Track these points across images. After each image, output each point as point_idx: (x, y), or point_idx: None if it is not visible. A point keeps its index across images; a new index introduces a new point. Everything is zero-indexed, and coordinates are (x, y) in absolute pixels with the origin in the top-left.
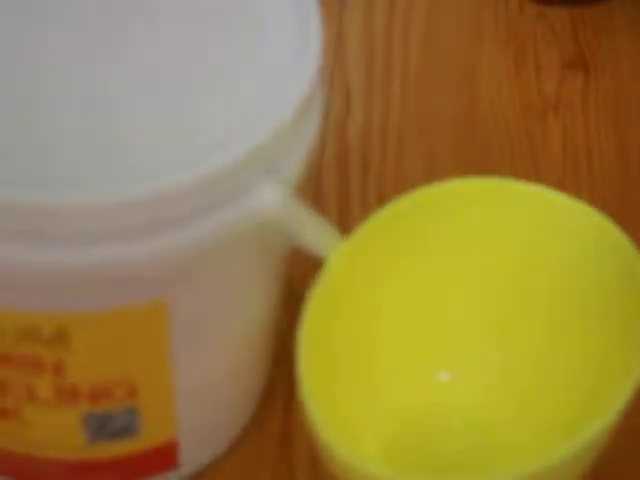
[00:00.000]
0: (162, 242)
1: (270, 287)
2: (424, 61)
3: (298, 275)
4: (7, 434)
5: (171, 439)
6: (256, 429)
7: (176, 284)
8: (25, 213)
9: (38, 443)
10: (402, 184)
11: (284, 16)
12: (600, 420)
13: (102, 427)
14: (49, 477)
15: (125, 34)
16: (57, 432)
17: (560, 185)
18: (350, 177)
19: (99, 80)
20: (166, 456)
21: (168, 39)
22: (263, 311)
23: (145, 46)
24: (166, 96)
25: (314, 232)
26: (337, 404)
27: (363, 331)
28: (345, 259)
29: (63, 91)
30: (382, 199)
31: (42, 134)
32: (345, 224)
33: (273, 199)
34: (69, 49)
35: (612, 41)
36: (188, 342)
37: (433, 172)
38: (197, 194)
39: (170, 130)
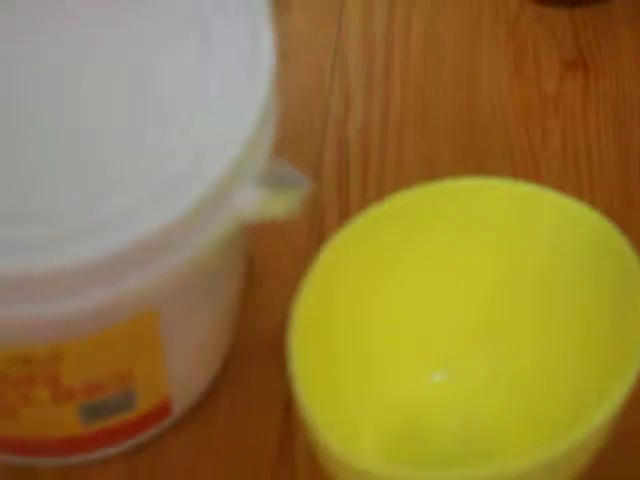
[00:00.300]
0: (155, 271)
1: (239, 266)
2: (424, 61)
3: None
4: (3, 427)
5: (164, 398)
6: (256, 429)
7: (165, 295)
8: (9, 280)
9: (34, 431)
10: (402, 184)
11: (233, 26)
12: (592, 420)
13: (97, 412)
14: (45, 450)
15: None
16: (53, 422)
17: (560, 185)
18: (350, 177)
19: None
20: (161, 412)
21: (121, 56)
22: (236, 286)
23: (105, 66)
24: (131, 118)
25: (287, 210)
26: (335, 404)
27: (360, 331)
28: (335, 257)
29: (28, 116)
30: (382, 199)
31: (17, 170)
32: (345, 224)
33: (253, 200)
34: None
35: (612, 41)
36: (177, 330)
37: (433, 172)
38: (185, 220)
39: (143, 162)
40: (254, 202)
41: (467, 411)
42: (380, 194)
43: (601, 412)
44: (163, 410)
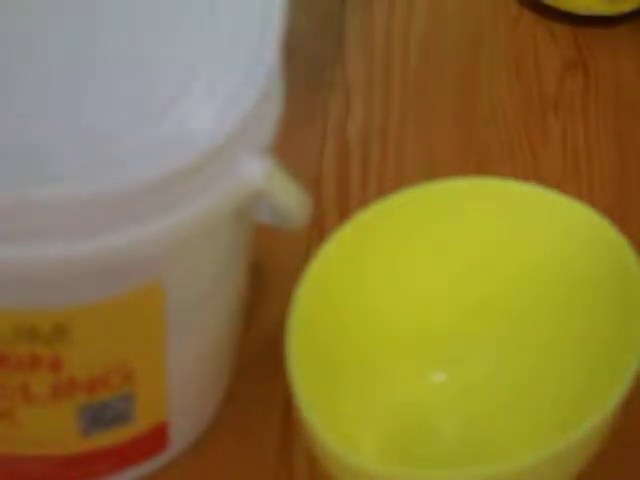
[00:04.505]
0: (158, 225)
1: (245, 260)
2: (424, 61)
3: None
4: None
5: (162, 421)
6: (256, 429)
7: (171, 265)
8: (11, 211)
9: (31, 441)
10: (402, 184)
11: None
12: (591, 419)
13: (97, 417)
14: (42, 474)
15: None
16: (51, 428)
17: (560, 185)
18: (350, 177)
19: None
20: (157, 439)
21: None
22: (240, 285)
23: (115, 29)
24: (137, 73)
25: (292, 198)
26: (334, 405)
27: (359, 330)
28: (334, 257)
29: (36, 69)
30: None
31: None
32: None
33: (258, 170)
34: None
35: (612, 41)
36: (180, 321)
37: (433, 172)
38: (190, 175)
39: (150, 110)
40: (260, 171)
41: (467, 411)
42: (380, 194)
43: (601, 411)
44: (160, 435)
